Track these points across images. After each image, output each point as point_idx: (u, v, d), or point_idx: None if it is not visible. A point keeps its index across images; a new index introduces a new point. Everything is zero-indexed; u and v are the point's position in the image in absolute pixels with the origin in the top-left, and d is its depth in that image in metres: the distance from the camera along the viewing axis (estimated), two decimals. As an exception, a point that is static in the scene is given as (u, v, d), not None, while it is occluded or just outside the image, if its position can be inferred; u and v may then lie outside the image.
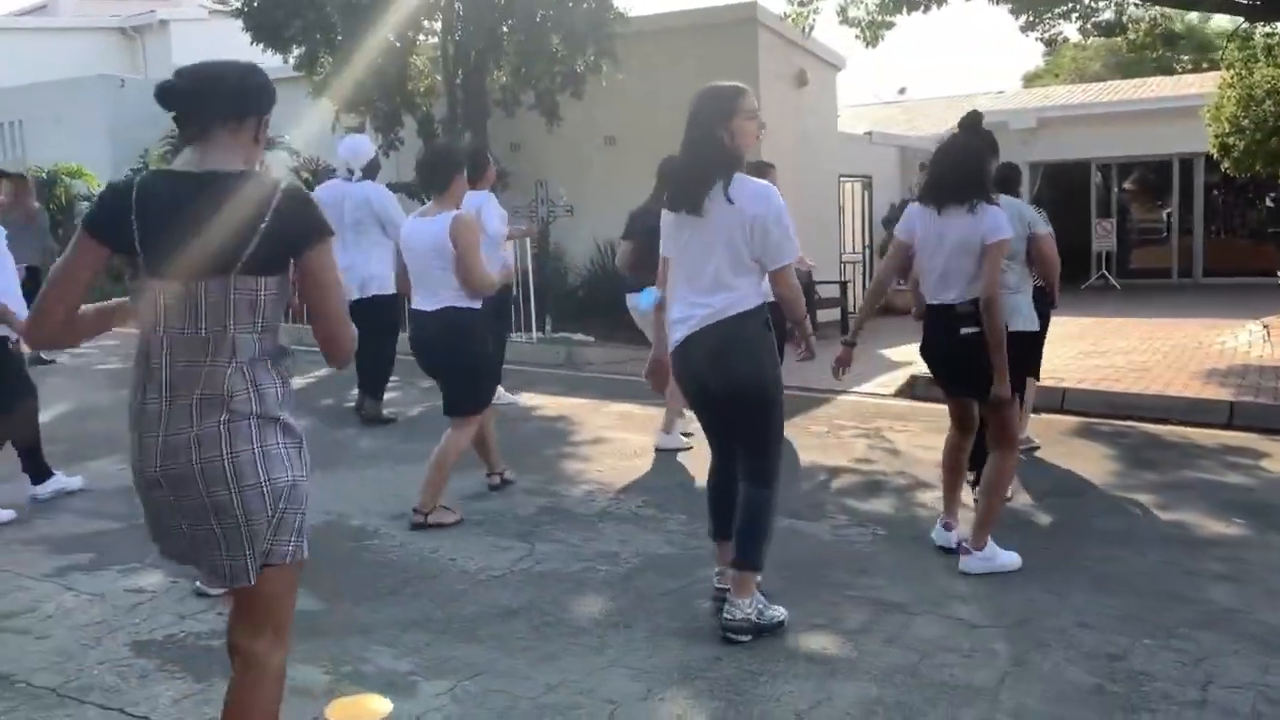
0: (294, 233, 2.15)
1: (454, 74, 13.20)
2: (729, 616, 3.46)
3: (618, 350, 9.60)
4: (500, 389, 7.71)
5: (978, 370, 4.03)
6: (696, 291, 3.45)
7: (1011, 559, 4.11)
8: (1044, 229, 4.99)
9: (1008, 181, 5.81)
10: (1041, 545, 4.46)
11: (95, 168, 16.46)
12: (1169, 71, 29.96)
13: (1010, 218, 4.18)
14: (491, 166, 7.72)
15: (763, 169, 6.88)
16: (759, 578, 3.58)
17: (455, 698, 3.07)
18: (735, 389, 3.44)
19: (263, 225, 2.10)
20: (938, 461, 4.82)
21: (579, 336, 10.54)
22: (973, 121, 4.37)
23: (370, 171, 7.13)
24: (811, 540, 4.54)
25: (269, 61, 15.73)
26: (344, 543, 4.47)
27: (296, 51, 14.09)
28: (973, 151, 4.16)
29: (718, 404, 3.54)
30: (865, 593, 3.91)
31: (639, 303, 5.61)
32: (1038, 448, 6.10)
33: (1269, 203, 20.91)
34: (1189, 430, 6.81)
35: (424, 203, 5.05)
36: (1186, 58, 34.34)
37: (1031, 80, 38.97)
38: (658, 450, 6.16)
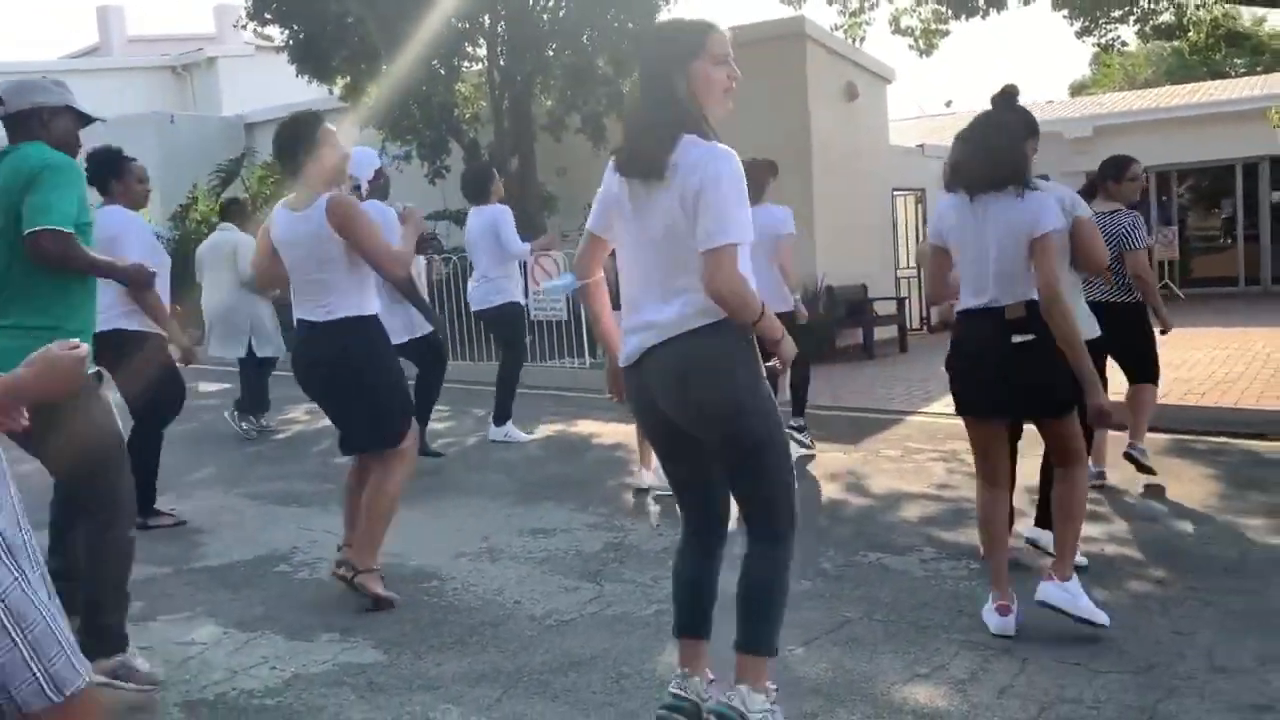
0: None
1: (500, 99, 13.10)
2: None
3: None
4: (510, 425, 7.38)
5: (1036, 386, 3.46)
6: (650, 293, 2.67)
7: (1098, 615, 3.48)
8: (1085, 212, 4.14)
9: (1101, 171, 5.49)
10: (1156, 579, 4.10)
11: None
12: (1222, 76, 29.27)
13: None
14: (498, 179, 7.46)
15: (763, 170, 6.45)
16: (771, 683, 2.75)
17: (531, 763, 2.79)
18: (711, 423, 2.65)
19: None
20: (1024, 485, 4.49)
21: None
22: (1008, 96, 3.67)
23: (379, 190, 6.28)
24: (902, 577, 4.22)
25: (314, 93, 15.85)
26: (403, 586, 4.22)
27: (341, 82, 14.10)
28: (1008, 129, 3.55)
29: (689, 444, 2.76)
30: (969, 635, 3.57)
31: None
32: (1103, 477, 5.51)
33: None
34: (1290, 447, 6.39)
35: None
36: (1240, 61, 33.57)
37: (1079, 90, 38.30)
38: (656, 497, 5.46)
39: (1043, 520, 4.30)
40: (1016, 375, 3.46)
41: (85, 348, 1.91)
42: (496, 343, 7.74)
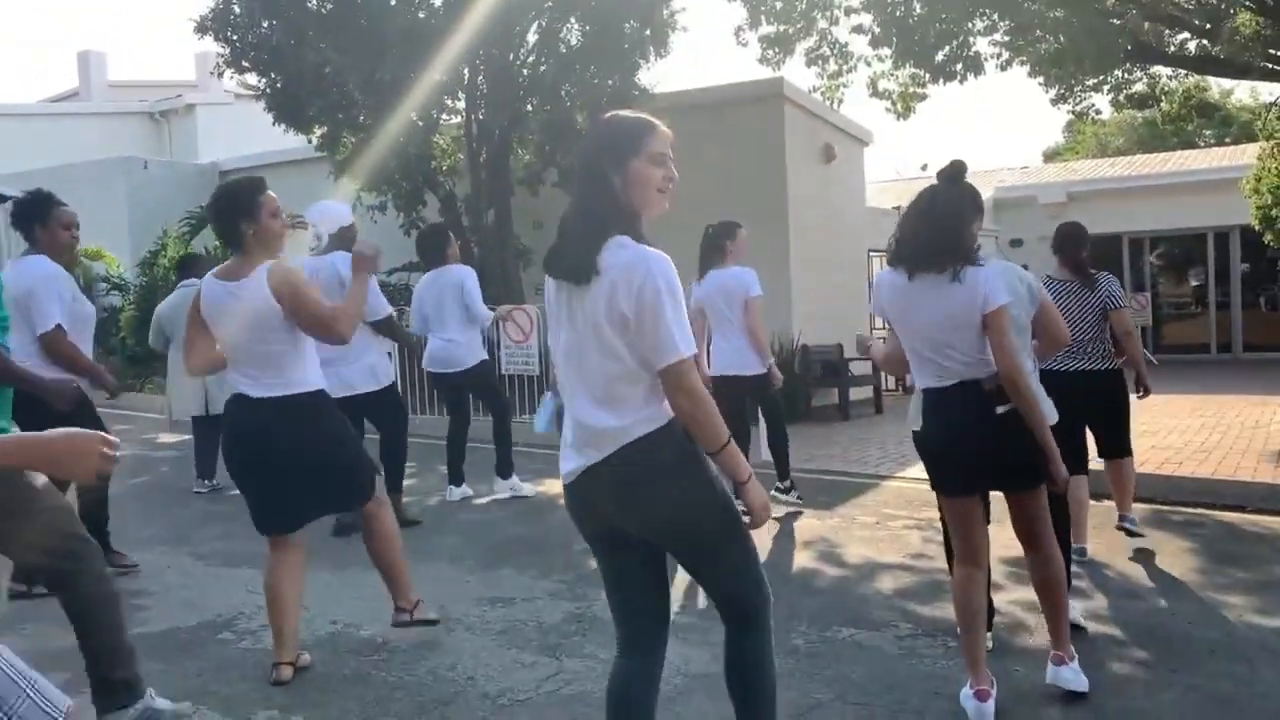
0: None
1: (478, 152, 13.05)
2: None
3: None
4: (516, 479, 7.25)
5: (1020, 454, 3.33)
6: (590, 399, 2.50)
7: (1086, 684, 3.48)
8: (1045, 294, 3.95)
9: (1067, 243, 5.41)
10: (1138, 660, 3.94)
11: (116, 249, 16.36)
12: (1192, 146, 29.81)
13: (1010, 284, 3.49)
14: (454, 242, 7.35)
15: (721, 233, 6.38)
16: None
17: None
18: (659, 532, 2.53)
19: None
20: (1002, 556, 4.33)
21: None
22: (955, 171, 3.47)
23: (343, 241, 6.01)
24: (875, 655, 4.03)
25: (292, 142, 15.76)
26: (352, 658, 4.00)
27: (319, 131, 14.00)
28: (955, 205, 3.37)
29: (636, 548, 2.59)
30: (944, 720, 3.40)
31: (536, 422, 3.88)
32: (1085, 551, 5.31)
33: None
34: (1269, 519, 6.27)
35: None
36: (1209, 132, 34.25)
37: (1052, 156, 38.92)
38: None
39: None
40: (1000, 446, 3.33)
41: (117, 448, 1.81)
42: (450, 404, 7.47)
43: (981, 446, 3.34)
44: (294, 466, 3.72)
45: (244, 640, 4.28)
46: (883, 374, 13.73)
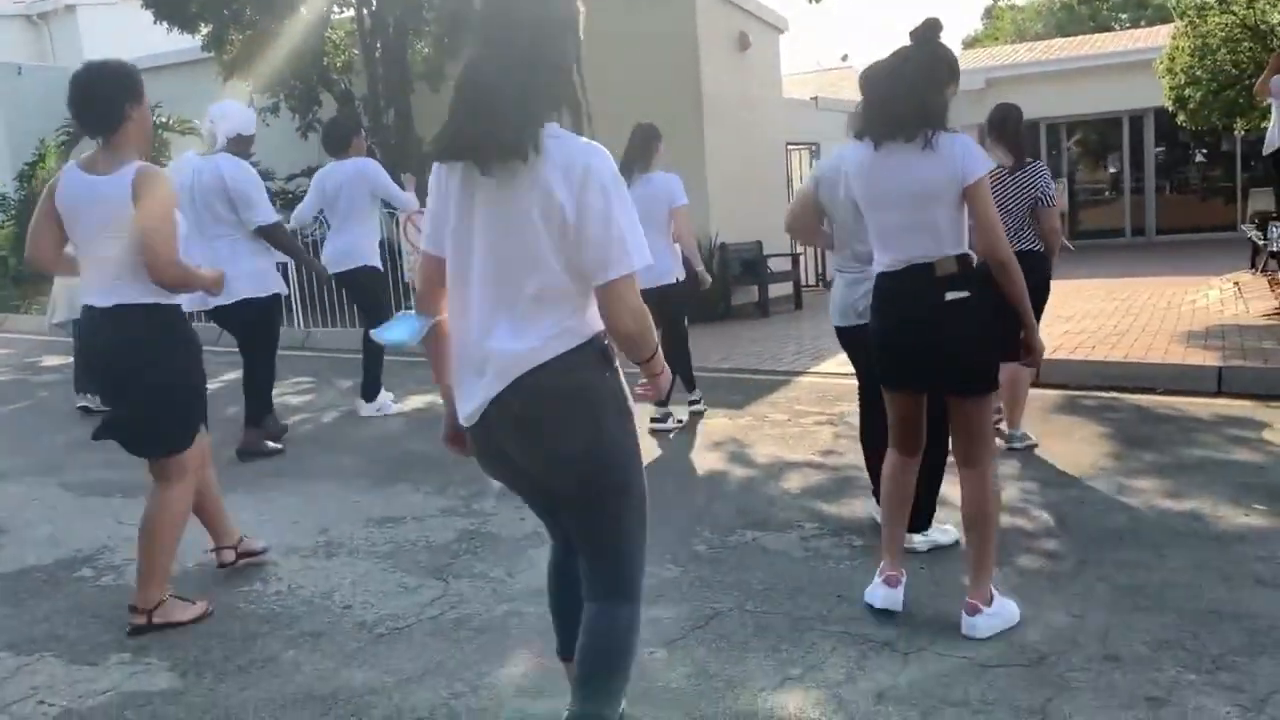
0: None
1: (372, 47, 12.34)
2: None
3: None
4: (384, 394, 6.89)
5: (964, 349, 3.04)
6: (494, 321, 2.11)
7: (1015, 611, 3.20)
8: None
9: (1007, 123, 5.17)
10: (1046, 551, 3.83)
11: (-9, 161, 15.35)
12: (1108, 29, 29.75)
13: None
14: (362, 135, 6.92)
15: (650, 134, 6.00)
16: None
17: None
18: (564, 471, 2.18)
19: None
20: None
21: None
22: (928, 30, 3.08)
23: (238, 147, 5.67)
24: (779, 559, 3.86)
25: (180, 42, 14.75)
26: (219, 591, 3.71)
27: (204, 30, 13.11)
28: (927, 67, 3.04)
29: (542, 491, 2.32)
30: (848, 627, 3.23)
31: (383, 335, 4.02)
32: (1035, 445, 5.31)
33: (1203, 156, 20.63)
34: (1178, 400, 6.25)
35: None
36: (1124, 16, 34.21)
37: (972, 43, 38.64)
38: None
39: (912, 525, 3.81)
40: (945, 337, 3.04)
41: None
42: (359, 305, 7.12)
43: (925, 335, 3.06)
44: (132, 385, 3.37)
45: (105, 576, 3.95)
46: (801, 270, 13.57)
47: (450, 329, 2.24)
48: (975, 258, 3.08)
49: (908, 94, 3.01)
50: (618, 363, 2.20)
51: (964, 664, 2.95)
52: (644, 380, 2.31)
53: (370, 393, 6.83)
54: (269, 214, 5.68)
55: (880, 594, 3.25)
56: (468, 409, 2.18)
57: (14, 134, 15.74)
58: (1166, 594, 3.38)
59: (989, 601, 3.14)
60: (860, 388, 4.16)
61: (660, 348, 2.24)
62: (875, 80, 3.16)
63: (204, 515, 3.77)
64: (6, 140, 15.82)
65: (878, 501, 3.90)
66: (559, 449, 2.14)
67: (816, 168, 4.01)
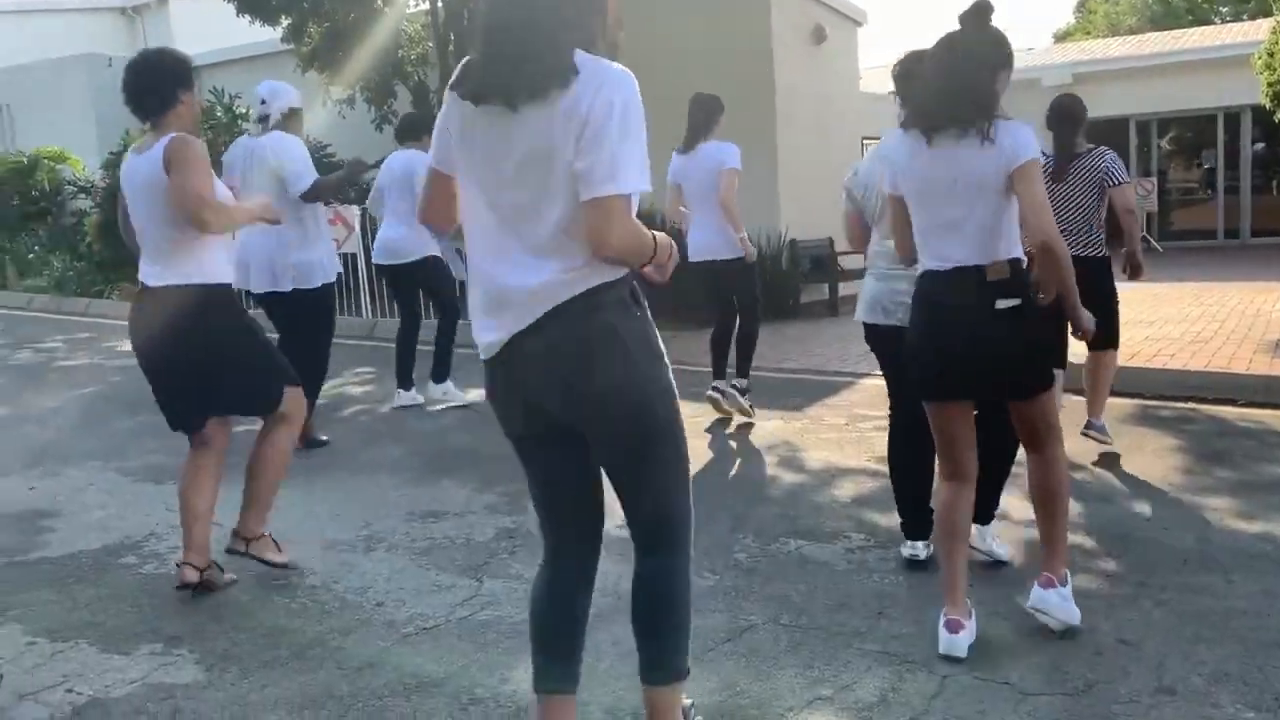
0: None
1: (445, 39, 12.39)
2: None
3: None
4: (450, 384, 6.85)
5: (1017, 360, 2.92)
6: (511, 255, 2.08)
7: (1078, 614, 3.12)
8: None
9: (1073, 117, 4.98)
10: (1104, 571, 3.64)
11: (81, 150, 15.82)
12: (1206, 23, 28.63)
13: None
14: (430, 134, 6.88)
15: (712, 103, 5.93)
16: (687, 700, 2.46)
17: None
18: (607, 417, 2.11)
19: None
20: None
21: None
22: (979, 11, 2.91)
23: (290, 123, 5.50)
24: (821, 571, 3.74)
25: (261, 34, 15.04)
26: (256, 584, 3.72)
27: (285, 22, 13.35)
28: (979, 52, 2.89)
29: (570, 443, 2.21)
30: (886, 646, 3.10)
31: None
32: (1111, 443, 5.16)
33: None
34: (1262, 414, 5.93)
35: None
36: (1225, 9, 32.93)
37: (1063, 38, 37.61)
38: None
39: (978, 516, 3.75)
40: (996, 350, 2.90)
41: None
42: (399, 302, 7.08)
43: (974, 344, 2.91)
44: (185, 362, 3.50)
45: (147, 564, 3.99)
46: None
47: (471, 262, 2.18)
48: (1026, 261, 2.93)
49: (958, 83, 2.86)
50: (644, 302, 2.16)
51: (1004, 690, 2.80)
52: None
53: (441, 374, 6.80)
54: (308, 178, 5.37)
55: (944, 640, 3.01)
56: (485, 340, 2.15)
57: (104, 125, 16.20)
58: (1231, 623, 3.18)
59: (1065, 582, 3.07)
60: (890, 394, 3.96)
61: (656, 239, 2.13)
62: (931, 67, 2.99)
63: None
64: (97, 131, 16.30)
65: (905, 533, 3.76)
66: (590, 389, 2.07)
67: (846, 182, 3.90)
